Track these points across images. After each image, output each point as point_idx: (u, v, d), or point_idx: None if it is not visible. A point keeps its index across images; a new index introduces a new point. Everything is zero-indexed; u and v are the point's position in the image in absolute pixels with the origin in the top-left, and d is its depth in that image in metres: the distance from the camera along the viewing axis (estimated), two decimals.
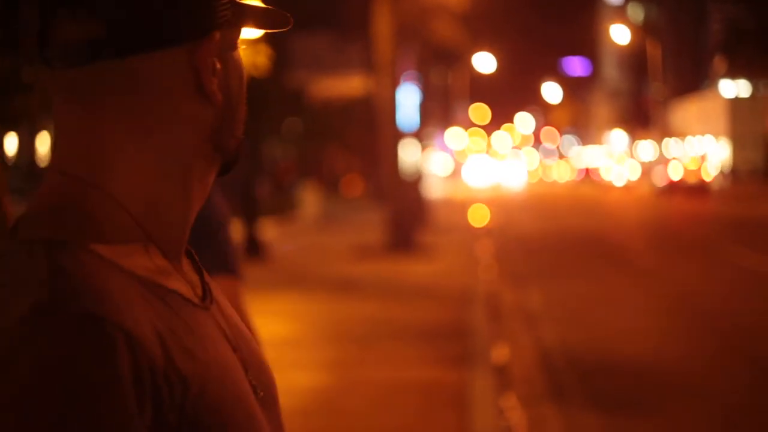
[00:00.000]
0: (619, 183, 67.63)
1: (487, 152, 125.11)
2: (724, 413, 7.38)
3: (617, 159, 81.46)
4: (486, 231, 25.50)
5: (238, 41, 1.16)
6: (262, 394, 1.14)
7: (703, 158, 51.24)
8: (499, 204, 42.50)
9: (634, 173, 69.33)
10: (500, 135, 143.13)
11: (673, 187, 46.93)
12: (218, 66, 1.12)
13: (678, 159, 51.37)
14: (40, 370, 0.91)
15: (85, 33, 1.07)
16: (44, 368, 0.92)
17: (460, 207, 36.25)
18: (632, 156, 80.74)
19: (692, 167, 48.18)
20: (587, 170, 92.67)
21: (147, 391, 0.95)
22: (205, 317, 1.11)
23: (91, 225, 1.05)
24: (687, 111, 74.23)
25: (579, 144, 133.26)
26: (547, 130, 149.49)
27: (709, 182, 47.77)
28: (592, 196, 50.86)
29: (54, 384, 0.91)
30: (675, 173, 48.23)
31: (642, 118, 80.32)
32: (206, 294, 1.15)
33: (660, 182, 49.83)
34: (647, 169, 67.47)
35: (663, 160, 53.79)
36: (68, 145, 1.10)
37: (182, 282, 1.11)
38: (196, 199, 1.14)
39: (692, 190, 46.15)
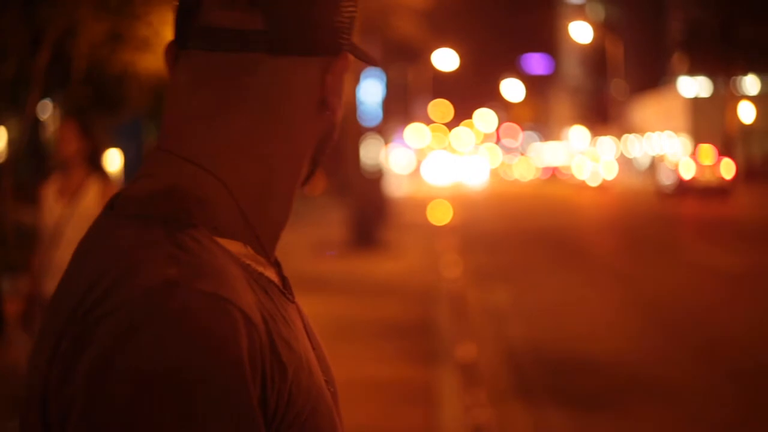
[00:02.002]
0: (593, 182, 61.11)
1: (448, 149, 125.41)
2: (691, 411, 7.37)
3: (592, 156, 74.93)
4: (449, 229, 25.47)
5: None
6: (332, 390, 1.18)
7: (719, 152, 41.00)
8: (462, 202, 42.52)
9: (609, 172, 63.37)
10: (461, 132, 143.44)
11: (685, 188, 39.28)
12: (340, 83, 1.17)
13: (691, 155, 42.02)
14: (165, 342, 0.93)
15: (242, 23, 1.09)
16: (169, 341, 0.94)
17: (422, 204, 36.24)
18: (594, 152, 79.53)
19: (707, 162, 39.88)
20: (554, 169, 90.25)
21: (258, 372, 0.99)
22: (293, 311, 1.16)
23: (204, 208, 1.08)
24: (647, 108, 74.75)
25: (540, 140, 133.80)
26: (508, 127, 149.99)
27: (730, 181, 39.70)
28: (564, 197, 48.17)
29: (178, 355, 0.93)
30: (687, 171, 40.00)
31: (602, 115, 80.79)
32: (288, 288, 1.20)
33: (667, 181, 42.01)
34: (623, 166, 66.75)
35: (679, 157, 44.36)
36: (184, 128, 1.11)
37: (274, 274, 1.16)
38: (293, 202, 1.18)
39: (709, 191, 38.46)
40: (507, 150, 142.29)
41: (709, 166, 39.49)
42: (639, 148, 73.03)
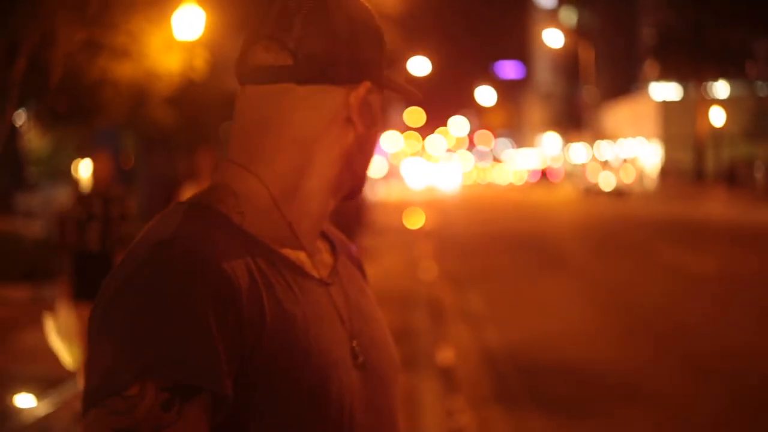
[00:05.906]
0: (606, 186, 54.33)
1: (422, 155, 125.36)
2: (667, 413, 7.42)
3: (610, 160, 68.12)
4: (425, 233, 25.49)
5: (381, 94, 1.51)
6: (361, 359, 1.45)
7: None
8: (437, 207, 42.52)
9: (627, 175, 57.01)
10: (435, 138, 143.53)
11: None
12: (364, 106, 1.46)
13: None
14: (148, 283, 1.25)
15: (276, 61, 1.42)
16: (149, 283, 1.25)
17: (398, 209, 36.26)
18: (566, 157, 78.55)
19: None
20: (543, 171, 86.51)
21: (229, 312, 1.26)
22: (315, 288, 1.43)
23: (233, 197, 1.41)
24: (619, 113, 75.07)
25: (513, 146, 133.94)
26: (481, 133, 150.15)
27: None
28: (580, 211, 43.00)
29: (152, 292, 1.24)
30: None
31: (574, 120, 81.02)
32: (332, 275, 1.49)
33: None
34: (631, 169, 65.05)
35: None
36: (241, 142, 1.45)
37: (302, 255, 1.44)
38: (329, 202, 1.49)
39: None
40: (480, 156, 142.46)
41: None
42: (611, 153, 73.26)
